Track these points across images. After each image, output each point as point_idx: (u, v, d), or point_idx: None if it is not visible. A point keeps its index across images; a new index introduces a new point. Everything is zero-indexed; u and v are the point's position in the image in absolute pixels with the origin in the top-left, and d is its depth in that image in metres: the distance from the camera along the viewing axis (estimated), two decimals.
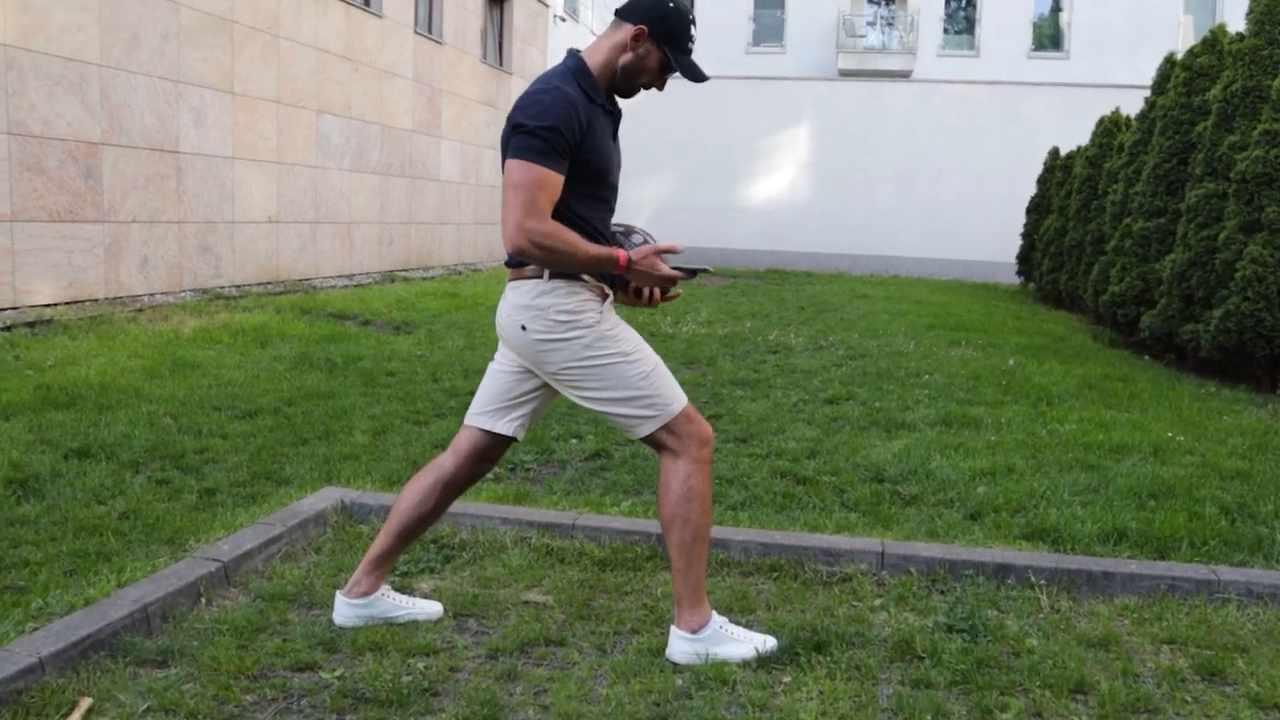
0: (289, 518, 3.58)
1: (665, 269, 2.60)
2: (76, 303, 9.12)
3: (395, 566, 3.22)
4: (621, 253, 2.58)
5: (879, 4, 28.87)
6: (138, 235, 9.87)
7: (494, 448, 2.85)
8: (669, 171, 20.88)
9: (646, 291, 2.70)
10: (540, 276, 2.62)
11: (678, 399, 2.67)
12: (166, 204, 10.25)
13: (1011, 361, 8.29)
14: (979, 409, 6.15)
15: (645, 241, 2.76)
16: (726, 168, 20.60)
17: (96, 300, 9.37)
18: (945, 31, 27.93)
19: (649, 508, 3.91)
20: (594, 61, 2.66)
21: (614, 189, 2.73)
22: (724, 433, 5.41)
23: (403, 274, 15.22)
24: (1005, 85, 20.66)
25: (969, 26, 28.23)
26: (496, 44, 19.57)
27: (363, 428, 5.18)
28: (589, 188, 2.63)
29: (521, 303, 2.66)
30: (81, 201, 9.16)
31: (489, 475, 3.97)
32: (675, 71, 2.66)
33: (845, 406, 6.28)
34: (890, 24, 28.52)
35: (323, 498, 3.83)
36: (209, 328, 8.26)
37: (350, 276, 13.88)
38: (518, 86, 19.84)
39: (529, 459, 4.77)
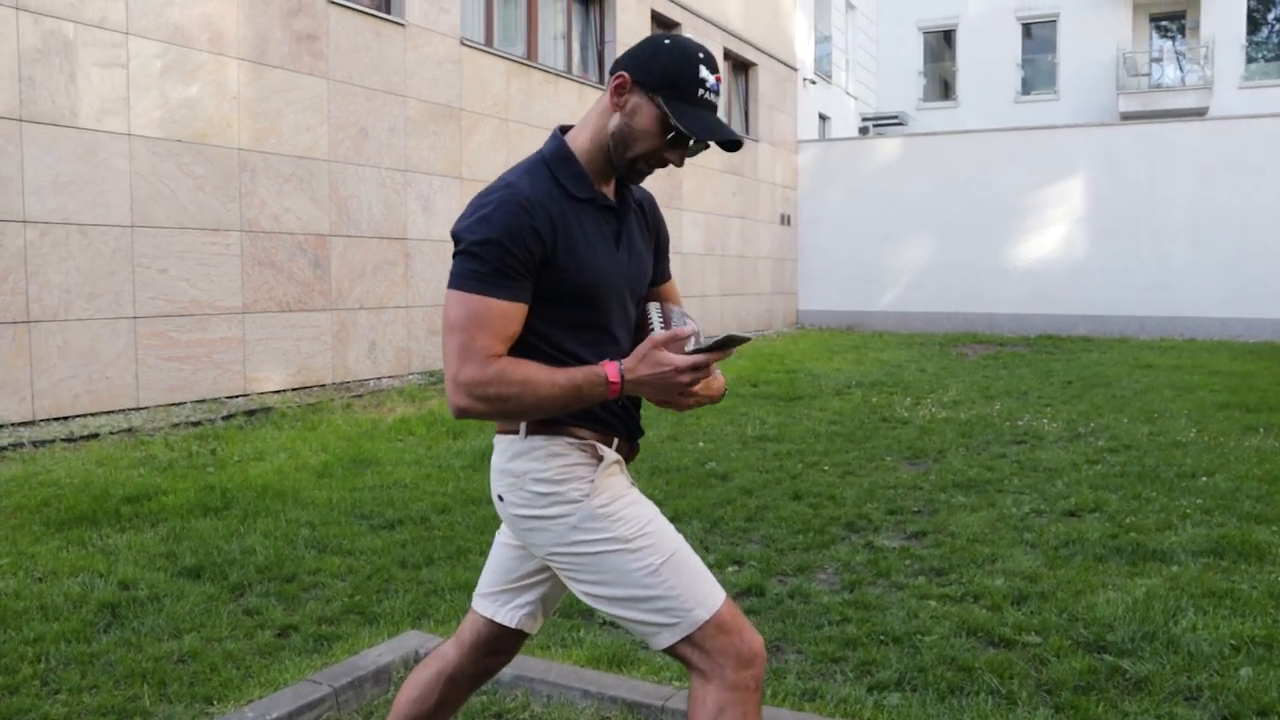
0: (343, 674, 3.08)
1: (681, 359, 1.80)
2: (305, 388, 9.41)
3: None
4: (610, 366, 1.82)
5: (1171, 37, 26.16)
6: (365, 321, 10.12)
7: (501, 639, 2.19)
8: (927, 233, 19.58)
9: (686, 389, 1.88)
10: (516, 430, 1.97)
11: (705, 601, 1.89)
12: (394, 290, 10.49)
13: None
14: (1268, 531, 4.80)
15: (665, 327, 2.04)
16: (993, 226, 19.02)
17: (324, 385, 9.63)
18: (1249, 60, 24.79)
19: (777, 681, 3.10)
20: (580, 140, 1.98)
21: (617, 314, 2.01)
22: (918, 562, 4.45)
23: None
24: None
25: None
26: (742, 111, 19.26)
27: None
28: (575, 314, 1.94)
29: (497, 465, 2.01)
30: (310, 291, 9.48)
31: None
32: (686, 135, 1.88)
33: (1086, 522, 5.11)
34: (1181, 57, 25.72)
35: (396, 646, 3.32)
36: (412, 417, 8.19)
37: None
38: (765, 154, 19.40)
39: None
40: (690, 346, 1.92)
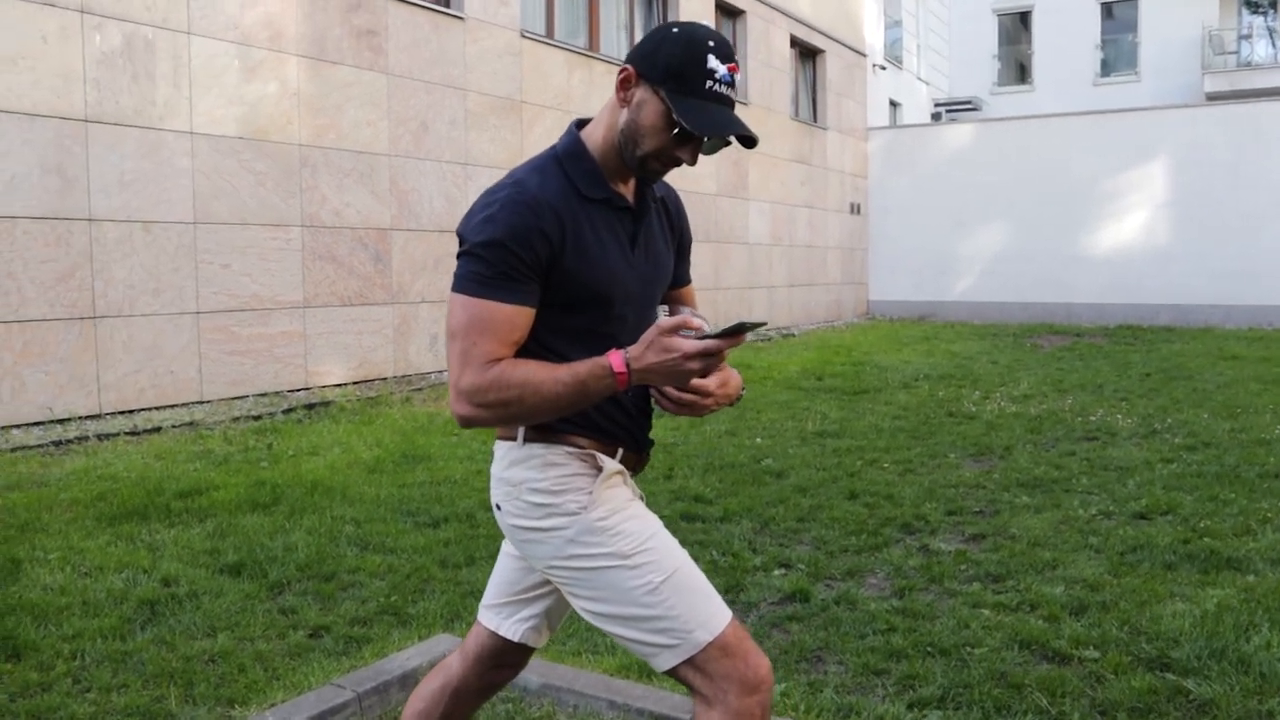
0: (368, 678, 3.03)
1: (690, 344, 1.66)
2: (365, 382, 9.48)
3: None
4: (614, 355, 1.69)
5: (1262, 12, 25.04)
6: (426, 315, 10.16)
7: (507, 653, 2.10)
8: (1002, 220, 19.04)
9: (697, 386, 1.76)
10: (514, 436, 1.87)
11: (708, 622, 1.76)
12: None
13: None
14: None
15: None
16: (1070, 212, 18.42)
17: (385, 379, 9.69)
18: None
19: (813, 695, 2.96)
20: (594, 137, 1.86)
21: (631, 321, 1.89)
22: (974, 567, 4.26)
23: None
24: None
25: None
26: (810, 98, 18.95)
27: None
28: (584, 321, 1.83)
29: (495, 473, 1.91)
30: (371, 285, 9.54)
31: None
32: (691, 129, 1.73)
33: (1157, 526, 4.85)
34: (1273, 33, 24.61)
35: (425, 650, 3.26)
36: None
37: None
38: (833, 142, 19.07)
39: None
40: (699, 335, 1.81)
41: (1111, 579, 4.04)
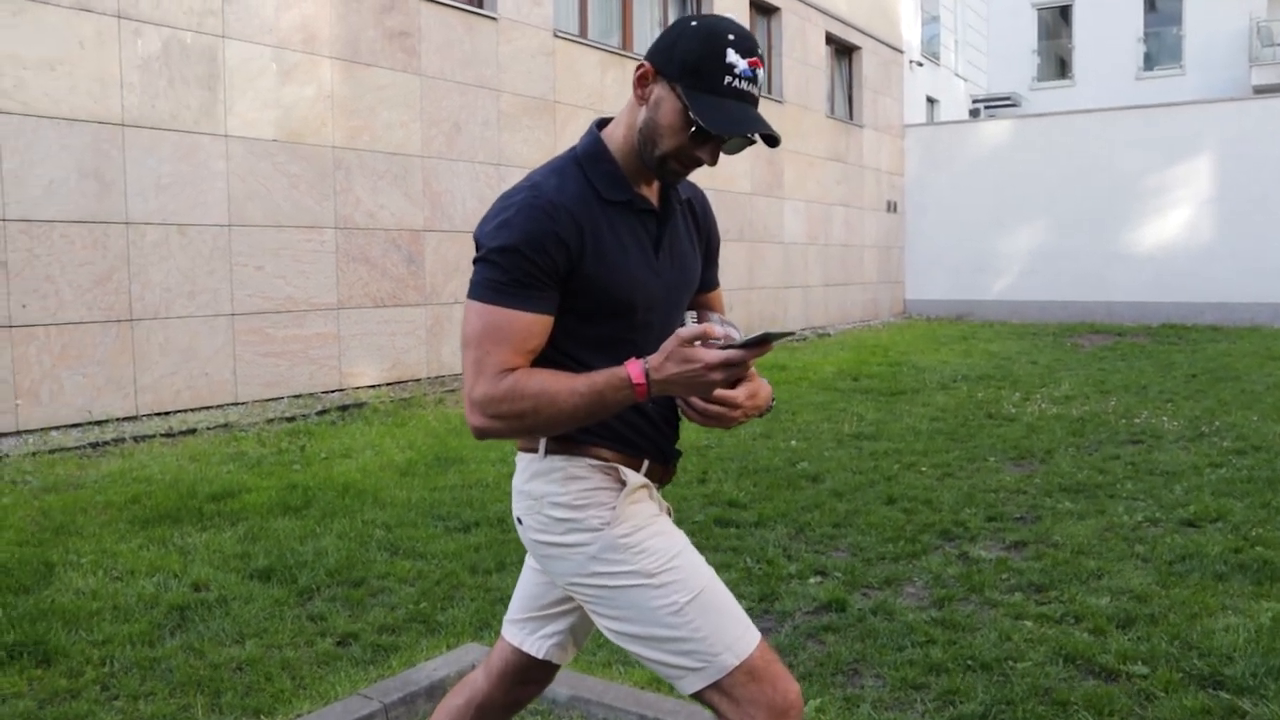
0: (395, 689, 2.99)
1: (712, 354, 1.56)
2: (399, 383, 9.48)
3: None
4: (633, 365, 1.61)
5: None
6: (459, 316, 10.14)
7: (532, 669, 2.04)
8: (1041, 218, 18.74)
9: (725, 398, 1.67)
10: (535, 448, 1.80)
11: (734, 645, 1.69)
12: None
13: None
14: None
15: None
16: (1111, 209, 18.08)
17: (419, 380, 9.69)
18: None
19: (849, 711, 2.88)
20: (615, 137, 1.79)
21: (656, 328, 1.81)
22: (1016, 576, 4.15)
23: None
24: None
25: None
26: (846, 95, 18.77)
27: None
28: (606, 329, 1.76)
29: (517, 485, 1.86)
30: (404, 286, 9.54)
31: None
32: (707, 128, 1.65)
33: (1206, 534, 4.70)
34: None
35: (453, 660, 3.21)
36: None
37: None
38: (870, 140, 18.88)
39: (747, 603, 3.86)
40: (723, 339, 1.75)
41: (1160, 590, 3.91)
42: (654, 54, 1.72)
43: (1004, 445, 6.96)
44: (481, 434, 1.68)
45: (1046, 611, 3.70)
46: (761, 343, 1.58)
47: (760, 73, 1.71)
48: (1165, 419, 7.92)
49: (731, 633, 1.71)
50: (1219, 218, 17.33)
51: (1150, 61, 25.95)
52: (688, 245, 1.93)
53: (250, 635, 3.53)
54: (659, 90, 1.71)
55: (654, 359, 1.61)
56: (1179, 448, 6.81)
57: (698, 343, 1.58)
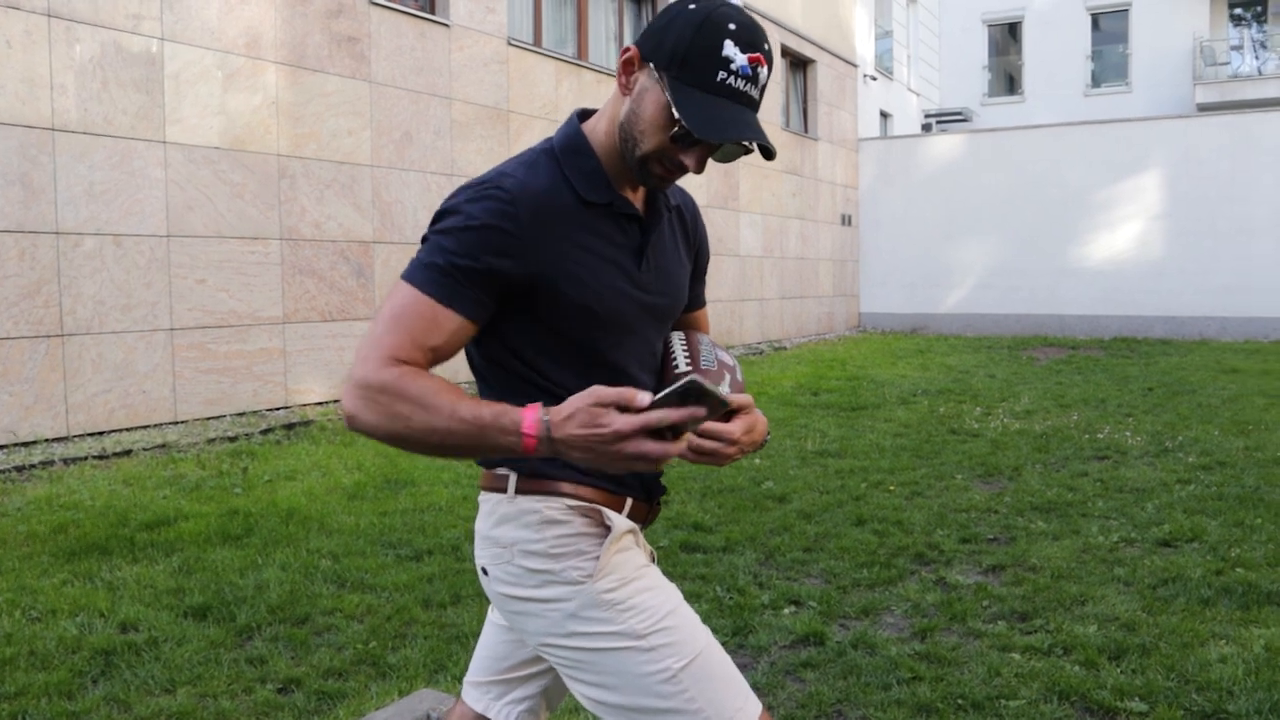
0: None
1: (626, 421, 1.27)
2: None
3: None
4: (529, 413, 1.33)
5: (1246, 25, 25.00)
6: None
7: None
8: (994, 232, 18.84)
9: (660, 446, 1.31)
10: (503, 488, 1.56)
11: (735, 717, 1.47)
12: None
13: None
14: None
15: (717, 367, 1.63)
16: (1062, 224, 18.22)
17: None
18: None
19: None
20: (597, 130, 1.56)
21: (635, 347, 1.59)
22: (997, 603, 3.98)
23: None
24: None
25: None
26: (801, 109, 18.73)
27: None
28: (576, 346, 1.54)
29: (481, 530, 1.61)
30: (353, 300, 9.23)
31: None
32: (688, 127, 1.42)
33: (1185, 555, 4.58)
34: (1263, 46, 24.58)
35: (407, 708, 2.95)
36: None
37: None
38: (824, 152, 18.85)
39: (721, 636, 3.63)
40: (725, 385, 1.53)
41: (1147, 617, 3.76)
42: (644, 37, 1.50)
43: (970, 462, 6.83)
44: (351, 421, 1.40)
45: (1033, 642, 3.52)
46: (691, 398, 1.28)
47: (763, 72, 1.47)
48: (1128, 434, 7.86)
49: (731, 704, 1.48)
50: (1167, 233, 17.54)
51: (1098, 79, 26.32)
52: (675, 257, 1.70)
53: (182, 683, 3.23)
54: (644, 79, 1.48)
55: (558, 411, 1.32)
56: (1145, 463, 6.73)
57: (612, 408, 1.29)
